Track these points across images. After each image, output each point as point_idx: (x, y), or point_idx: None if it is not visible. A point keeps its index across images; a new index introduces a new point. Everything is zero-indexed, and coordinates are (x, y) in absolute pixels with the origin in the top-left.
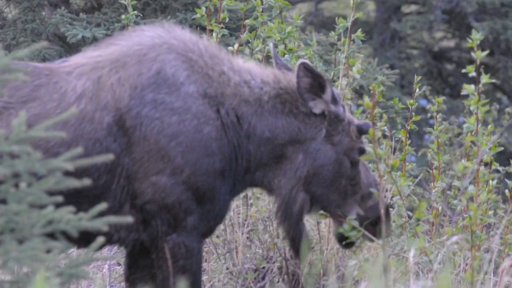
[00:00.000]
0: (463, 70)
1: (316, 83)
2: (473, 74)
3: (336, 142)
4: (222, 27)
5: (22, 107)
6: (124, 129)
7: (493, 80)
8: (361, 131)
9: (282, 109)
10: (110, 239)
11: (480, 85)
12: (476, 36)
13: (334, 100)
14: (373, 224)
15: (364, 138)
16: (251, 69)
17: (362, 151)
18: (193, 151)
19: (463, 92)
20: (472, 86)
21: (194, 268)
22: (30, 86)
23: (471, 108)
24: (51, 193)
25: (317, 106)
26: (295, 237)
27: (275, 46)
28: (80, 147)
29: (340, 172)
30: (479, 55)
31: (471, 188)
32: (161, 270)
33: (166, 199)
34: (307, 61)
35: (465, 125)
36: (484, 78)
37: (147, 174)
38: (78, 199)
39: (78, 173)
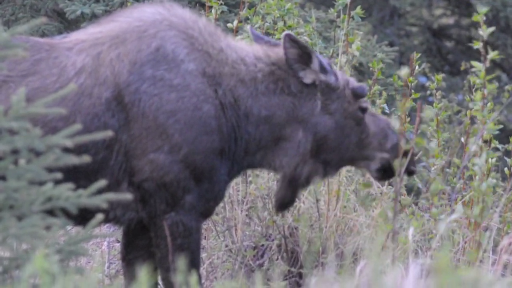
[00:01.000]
0: (469, 44)
1: (303, 53)
2: (479, 46)
3: (333, 111)
4: (221, 4)
5: (21, 81)
6: (123, 104)
7: (501, 56)
8: (357, 95)
9: (275, 88)
10: (106, 217)
11: (487, 62)
12: (482, 10)
13: (323, 69)
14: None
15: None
16: (243, 46)
17: (363, 110)
18: (192, 129)
19: (472, 69)
20: (480, 63)
21: (192, 246)
22: (30, 61)
23: (478, 84)
24: (50, 170)
25: (307, 76)
26: (286, 197)
27: (275, 22)
28: (78, 123)
29: (345, 135)
30: (486, 30)
31: (480, 163)
32: (159, 249)
33: (164, 177)
34: (291, 32)
35: (472, 103)
36: (492, 54)
37: (145, 151)
38: (76, 175)
39: (76, 149)
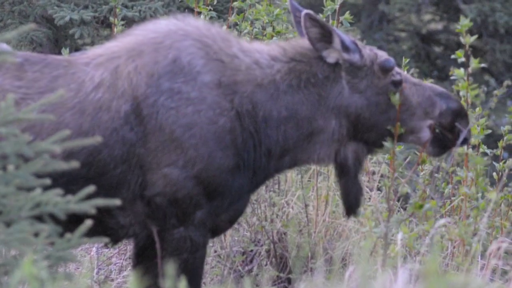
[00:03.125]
0: (452, 56)
1: (324, 32)
2: (462, 59)
3: (363, 89)
4: (210, 9)
5: (39, 98)
6: (141, 117)
7: (483, 65)
8: (384, 69)
9: (298, 83)
10: (126, 233)
11: (470, 70)
12: (464, 22)
13: (346, 48)
14: (450, 130)
15: (395, 71)
16: (257, 48)
17: (397, 83)
18: (207, 144)
19: (452, 77)
20: (461, 70)
21: (197, 262)
22: (48, 77)
23: (461, 93)
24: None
25: (330, 55)
26: (351, 192)
27: (263, 28)
28: (68, 131)
29: (381, 111)
30: (468, 41)
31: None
32: (165, 262)
33: (177, 192)
34: (310, 11)
35: None
36: (474, 63)
37: (159, 165)
38: (97, 190)
39: (94, 163)
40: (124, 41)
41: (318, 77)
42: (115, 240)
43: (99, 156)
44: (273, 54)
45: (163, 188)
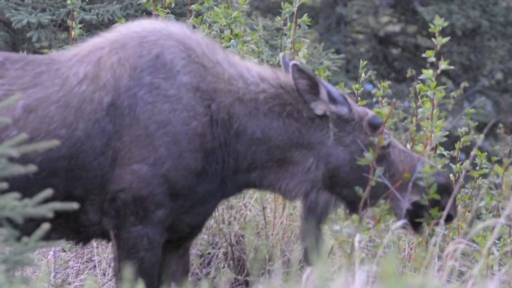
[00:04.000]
0: (423, 55)
1: (312, 84)
2: (431, 57)
3: (348, 143)
4: (168, 12)
5: (23, 93)
6: (121, 109)
7: (452, 67)
8: (373, 126)
9: (280, 111)
10: (94, 232)
11: (438, 71)
12: (439, 22)
13: (333, 100)
14: (433, 205)
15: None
16: (248, 65)
17: (385, 144)
18: (178, 144)
19: (421, 76)
20: (430, 71)
21: (153, 260)
22: (31, 74)
23: (428, 93)
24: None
25: (318, 107)
26: (310, 238)
27: (221, 31)
28: (80, 129)
29: (363, 168)
30: (440, 42)
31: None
32: (119, 260)
33: (142, 190)
34: (297, 62)
35: (420, 110)
36: (443, 64)
37: (130, 160)
38: (73, 183)
39: (76, 154)
40: (107, 35)
41: (302, 115)
42: (86, 238)
43: (81, 147)
44: (263, 75)
45: (130, 184)
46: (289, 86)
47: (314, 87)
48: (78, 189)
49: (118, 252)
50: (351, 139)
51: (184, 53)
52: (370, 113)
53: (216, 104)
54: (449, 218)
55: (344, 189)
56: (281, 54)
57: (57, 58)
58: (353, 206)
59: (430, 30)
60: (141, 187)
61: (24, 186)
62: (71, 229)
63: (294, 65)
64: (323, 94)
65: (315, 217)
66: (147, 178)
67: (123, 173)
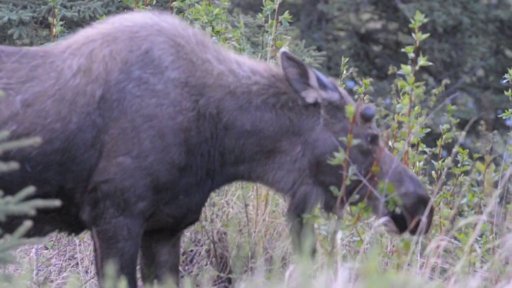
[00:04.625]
0: (403, 50)
1: (302, 71)
2: (410, 53)
3: (338, 130)
4: (149, 9)
5: (21, 87)
6: (110, 102)
7: (430, 63)
8: (365, 116)
9: (275, 102)
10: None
11: (417, 67)
12: (419, 18)
13: (323, 86)
14: (411, 213)
15: (373, 124)
16: (239, 60)
17: (373, 137)
18: (162, 138)
19: (399, 71)
20: (409, 67)
21: (133, 250)
22: (28, 67)
23: (407, 88)
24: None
25: (309, 95)
26: (299, 232)
27: (203, 28)
28: (74, 122)
29: (350, 158)
30: (420, 37)
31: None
32: (99, 251)
33: (124, 181)
34: (287, 50)
35: (398, 105)
36: (421, 60)
37: (116, 153)
38: (65, 177)
39: (69, 147)
40: (99, 27)
41: (297, 103)
42: (78, 229)
43: (73, 140)
44: (255, 68)
45: (113, 176)
46: (281, 76)
47: (303, 74)
48: (69, 182)
49: (98, 243)
50: (341, 126)
51: (173, 49)
52: (363, 105)
53: (205, 99)
54: (422, 231)
55: (328, 176)
56: (281, 49)
57: (51, 51)
58: (335, 201)
59: (410, 26)
60: (124, 178)
61: (21, 181)
62: (63, 221)
63: (284, 53)
64: (313, 80)
65: (300, 207)
66: (130, 170)
67: (108, 165)
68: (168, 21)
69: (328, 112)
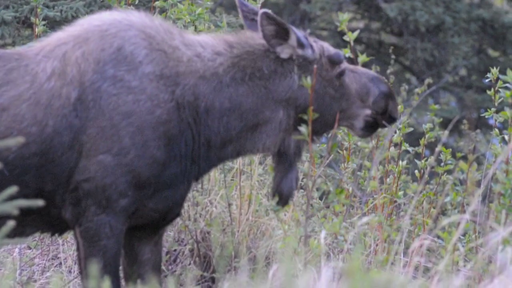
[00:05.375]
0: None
1: (280, 29)
2: (349, 54)
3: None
4: (131, 9)
5: None
6: (86, 103)
7: (370, 57)
8: (334, 62)
9: (243, 77)
10: (67, 224)
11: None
12: (344, 17)
13: (301, 45)
14: (383, 114)
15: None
16: (201, 41)
17: (341, 73)
18: (142, 134)
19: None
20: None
21: (116, 247)
22: (3, 70)
23: None
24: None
25: (284, 51)
26: (286, 181)
27: (185, 27)
28: (50, 125)
29: (326, 104)
30: (351, 36)
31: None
32: (81, 250)
33: (105, 178)
34: (268, 10)
35: None
36: (361, 58)
37: (96, 152)
38: (44, 179)
39: (46, 150)
40: (69, 29)
41: (264, 72)
42: (61, 230)
43: (51, 143)
44: (217, 49)
45: (94, 174)
46: (243, 50)
47: (282, 32)
48: (48, 184)
49: (81, 241)
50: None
51: (145, 41)
52: (326, 46)
53: (181, 88)
54: (393, 121)
55: (312, 124)
56: None
57: (25, 54)
58: (320, 135)
59: (339, 28)
60: (105, 176)
61: None
62: (45, 223)
63: (264, 12)
64: (293, 39)
65: (288, 159)
66: (111, 168)
67: (88, 164)
68: (135, 14)
69: (301, 68)
